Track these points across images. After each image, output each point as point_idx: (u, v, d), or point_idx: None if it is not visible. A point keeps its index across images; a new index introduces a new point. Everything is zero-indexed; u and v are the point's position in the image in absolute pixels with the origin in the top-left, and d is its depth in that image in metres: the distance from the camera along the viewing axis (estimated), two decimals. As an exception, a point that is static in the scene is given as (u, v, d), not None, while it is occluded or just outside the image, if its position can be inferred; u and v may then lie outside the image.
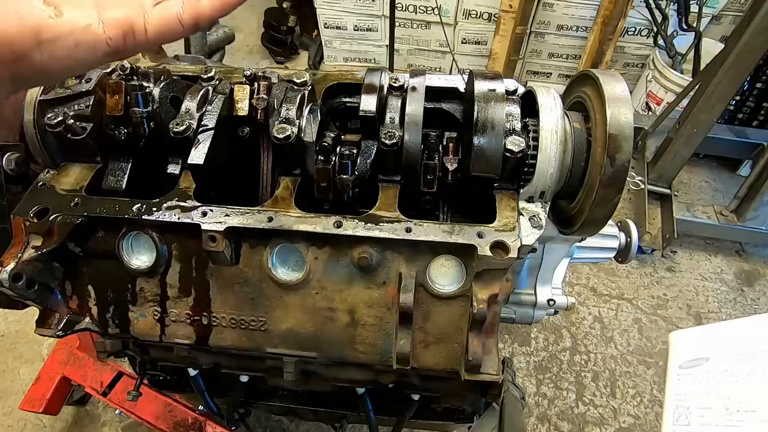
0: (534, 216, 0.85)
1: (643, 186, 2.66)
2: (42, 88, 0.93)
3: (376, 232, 0.80)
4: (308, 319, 0.88)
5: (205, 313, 0.90)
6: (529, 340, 2.43)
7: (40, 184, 0.90)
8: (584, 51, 3.24)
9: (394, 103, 0.89)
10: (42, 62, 0.46)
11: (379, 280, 0.85)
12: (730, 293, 2.66)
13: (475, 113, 0.81)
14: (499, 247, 0.79)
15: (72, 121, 0.87)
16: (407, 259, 0.84)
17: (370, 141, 0.90)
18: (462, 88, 0.96)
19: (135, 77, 0.88)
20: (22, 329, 2.39)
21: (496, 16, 3.17)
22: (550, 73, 3.62)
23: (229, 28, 1.89)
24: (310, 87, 0.91)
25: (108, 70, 0.92)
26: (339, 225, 0.81)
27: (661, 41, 2.96)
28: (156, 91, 0.89)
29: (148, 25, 0.51)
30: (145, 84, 0.89)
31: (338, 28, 3.58)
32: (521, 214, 0.84)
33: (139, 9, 0.51)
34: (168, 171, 0.95)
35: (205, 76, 0.92)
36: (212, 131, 0.85)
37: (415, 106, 0.87)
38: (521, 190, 0.86)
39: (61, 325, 0.91)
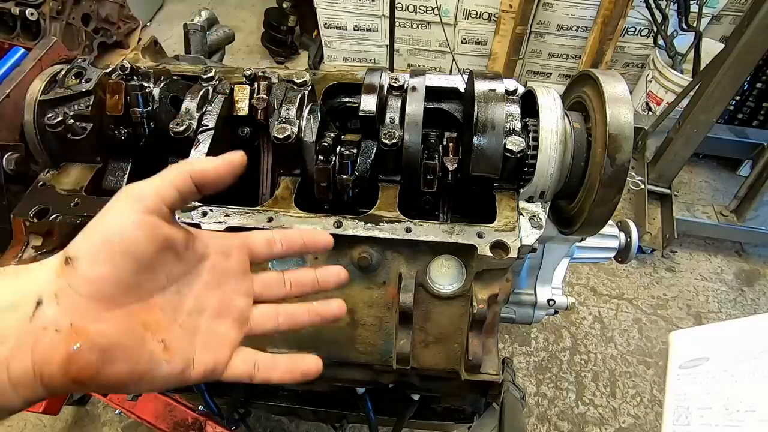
0: (534, 216, 0.85)
1: (643, 186, 2.65)
2: (42, 88, 0.94)
3: (376, 232, 0.80)
4: (308, 319, 0.88)
5: (205, 313, 0.90)
6: (529, 340, 2.43)
7: (40, 184, 0.90)
8: (584, 51, 3.24)
9: (394, 103, 0.89)
10: (126, 388, 0.45)
11: (379, 280, 0.85)
12: (730, 293, 2.66)
13: (475, 113, 0.81)
14: (499, 247, 0.79)
15: (72, 121, 0.87)
16: (407, 259, 0.84)
17: (370, 141, 0.90)
18: (462, 88, 0.96)
19: (135, 77, 0.88)
20: (22, 329, 2.39)
21: (496, 16, 3.17)
22: (550, 73, 3.62)
23: (229, 28, 1.89)
24: (310, 87, 0.91)
25: (108, 70, 0.92)
26: (339, 225, 0.81)
27: (661, 41, 2.96)
28: (156, 91, 0.89)
29: (228, 370, 0.49)
30: (145, 84, 0.88)
31: (338, 28, 3.58)
32: (521, 214, 0.84)
33: (228, 353, 0.49)
34: (168, 171, 0.94)
35: (205, 76, 0.92)
36: (212, 131, 0.85)
37: (415, 106, 0.87)
38: (521, 190, 0.86)
39: (61, 325, 0.91)
